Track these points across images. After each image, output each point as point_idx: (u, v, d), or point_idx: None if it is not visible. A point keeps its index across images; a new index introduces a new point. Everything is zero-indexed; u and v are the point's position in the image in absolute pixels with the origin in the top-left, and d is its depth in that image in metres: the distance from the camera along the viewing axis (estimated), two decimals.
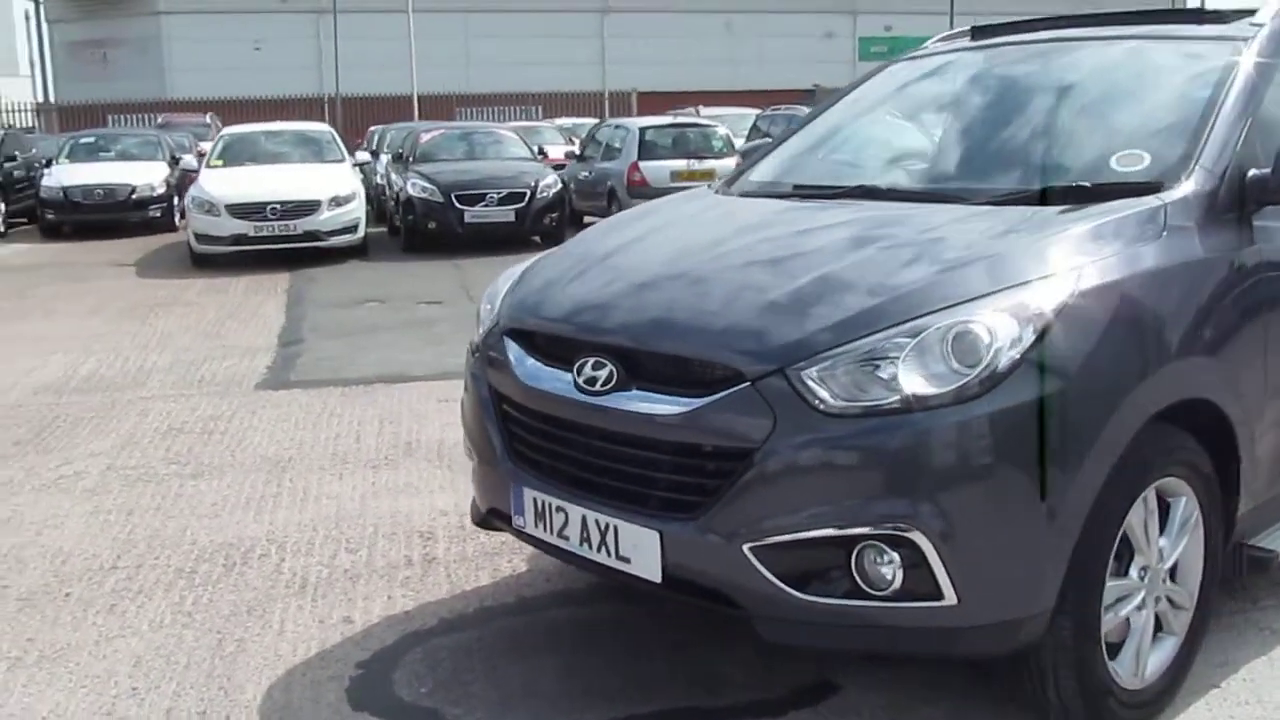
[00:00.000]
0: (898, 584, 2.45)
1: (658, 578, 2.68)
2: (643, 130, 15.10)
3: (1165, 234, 2.81)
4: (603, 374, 2.79)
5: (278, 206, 12.56)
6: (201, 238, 12.68)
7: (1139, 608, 2.78)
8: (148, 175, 16.68)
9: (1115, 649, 2.78)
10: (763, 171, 3.95)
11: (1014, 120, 3.58)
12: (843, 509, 2.45)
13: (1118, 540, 2.64)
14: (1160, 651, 2.90)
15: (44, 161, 18.07)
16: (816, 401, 2.47)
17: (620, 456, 2.75)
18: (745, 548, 2.52)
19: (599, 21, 42.89)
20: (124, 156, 17.78)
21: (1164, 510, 2.84)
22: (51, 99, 41.59)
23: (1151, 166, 3.08)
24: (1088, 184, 3.06)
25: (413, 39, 34.87)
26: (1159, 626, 2.90)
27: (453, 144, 15.33)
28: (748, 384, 2.55)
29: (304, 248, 12.77)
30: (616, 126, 16.65)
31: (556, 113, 33.24)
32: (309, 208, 12.66)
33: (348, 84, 36.56)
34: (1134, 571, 2.75)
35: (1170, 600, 2.90)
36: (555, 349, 2.98)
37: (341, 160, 14.24)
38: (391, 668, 3.31)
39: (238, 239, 12.51)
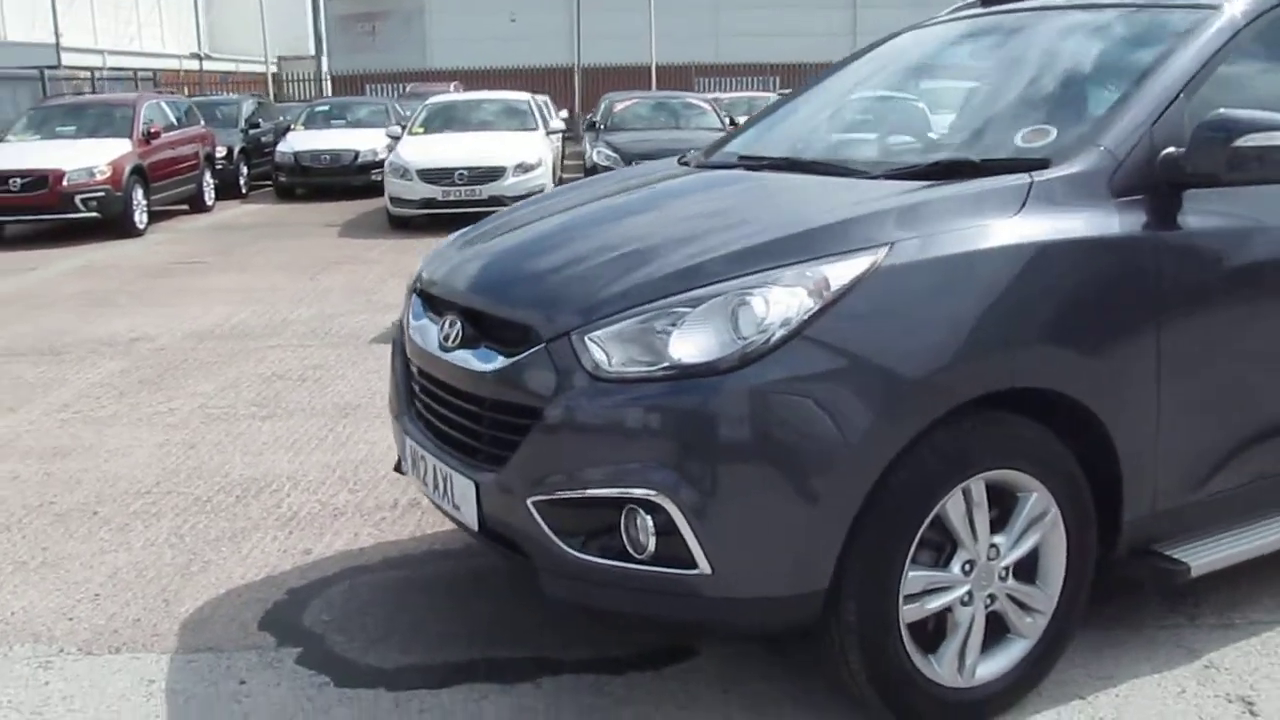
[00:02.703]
0: (652, 549, 2.48)
1: (475, 526, 2.82)
2: None
3: (1022, 213, 2.68)
4: (454, 331, 2.94)
5: (465, 172, 13.16)
6: (396, 201, 13.46)
7: (964, 603, 2.69)
8: (372, 141, 17.75)
9: (937, 642, 2.71)
10: (736, 142, 3.97)
11: (953, 93, 3.47)
12: (605, 471, 2.51)
13: (922, 529, 2.57)
14: (1005, 654, 2.79)
15: (284, 128, 19.54)
16: (593, 365, 2.54)
17: (457, 409, 2.90)
18: (529, 502, 2.62)
19: None
20: (355, 124, 19.04)
21: (1009, 505, 2.74)
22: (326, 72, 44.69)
23: (1052, 143, 2.95)
24: (975, 159, 2.95)
25: (653, 8, 35.26)
26: (1006, 627, 2.80)
27: (646, 113, 15.60)
28: (542, 345, 2.64)
29: (491, 211, 13.30)
30: None
31: (795, 83, 32.98)
32: (495, 173, 13.20)
33: (592, 54, 37.51)
34: (956, 565, 2.66)
35: (1017, 601, 2.78)
36: (434, 308, 3.15)
37: (535, 129, 14.75)
38: (313, 597, 3.59)
39: (427, 202, 13.21)
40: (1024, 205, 2.69)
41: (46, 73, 25.59)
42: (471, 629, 3.32)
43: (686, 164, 3.84)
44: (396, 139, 14.64)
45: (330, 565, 3.83)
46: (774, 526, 2.44)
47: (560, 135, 16.57)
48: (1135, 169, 2.80)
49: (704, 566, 2.45)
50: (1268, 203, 2.94)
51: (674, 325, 2.51)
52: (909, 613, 2.61)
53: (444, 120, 14.89)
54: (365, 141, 17.74)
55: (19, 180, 12.60)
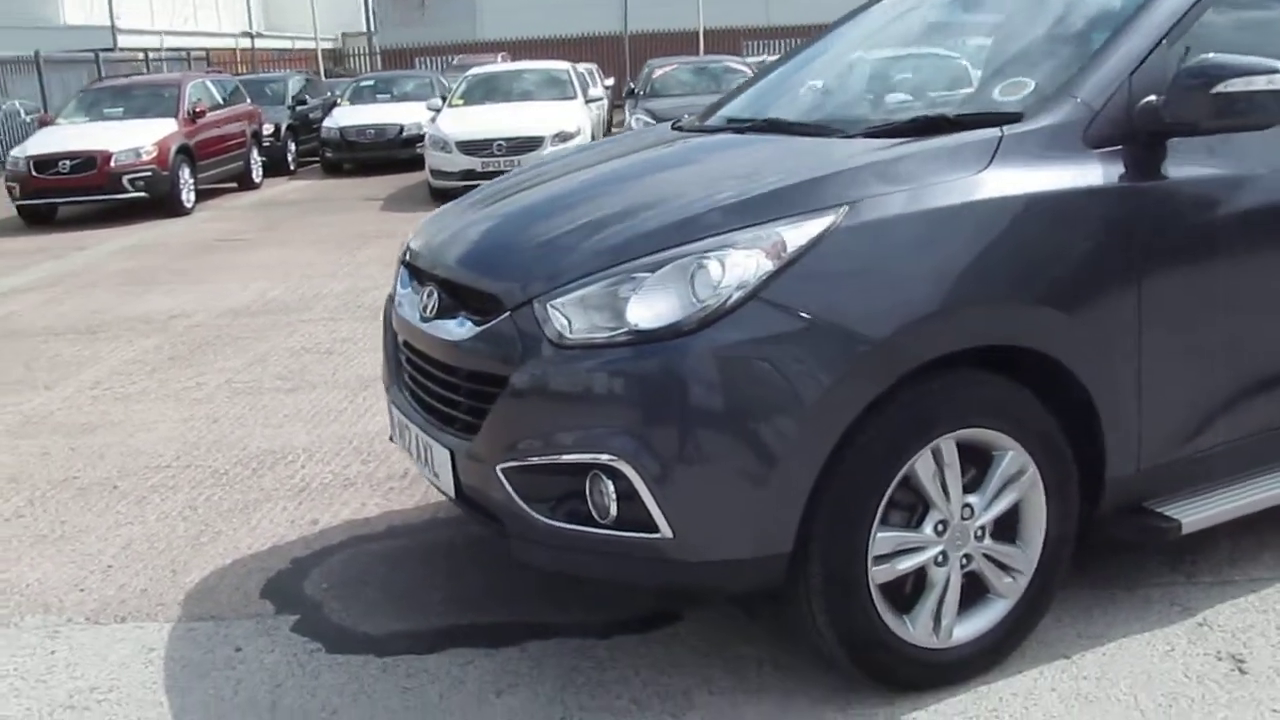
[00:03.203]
0: (615, 514, 2.50)
1: (453, 493, 2.85)
2: None
3: (990, 169, 2.64)
4: (431, 302, 2.97)
5: (503, 143, 13.19)
6: (436, 173, 13.54)
7: (938, 564, 2.67)
8: (416, 115, 17.81)
9: (911, 602, 2.70)
10: (730, 105, 3.94)
11: (945, 48, 3.41)
12: (568, 438, 2.52)
13: (890, 490, 2.55)
14: (984, 615, 2.77)
15: (330, 104, 19.70)
16: (555, 333, 2.55)
17: (435, 379, 2.93)
18: (498, 469, 2.64)
19: None
20: (400, 98, 19.17)
21: (986, 465, 2.71)
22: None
23: (1027, 96, 2.90)
24: (950, 115, 2.90)
25: None
26: (985, 588, 2.78)
27: (686, 78, 15.51)
28: (508, 314, 2.65)
29: None
30: None
31: None
32: (532, 143, 13.20)
33: (640, 21, 37.31)
34: (928, 525, 2.64)
35: (996, 561, 2.75)
36: (418, 279, 3.18)
37: (574, 98, 14.73)
38: (315, 565, 3.65)
39: (467, 174, 13.24)
40: (992, 160, 2.65)
41: (101, 55, 26.01)
42: (465, 595, 3.37)
43: (680, 128, 3.82)
44: (437, 111, 14.69)
45: (335, 535, 3.89)
46: (733, 490, 2.44)
47: (601, 103, 16.54)
48: (1112, 119, 2.74)
49: (665, 530, 2.46)
50: (1253, 150, 2.86)
51: (633, 290, 2.51)
52: (879, 574, 2.60)
53: (484, 92, 14.93)
54: (409, 115, 17.83)
55: (68, 162, 12.86)
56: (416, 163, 17.48)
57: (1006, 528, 2.78)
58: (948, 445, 2.60)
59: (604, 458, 2.46)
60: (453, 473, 2.82)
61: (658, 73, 15.56)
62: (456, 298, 2.90)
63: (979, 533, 2.71)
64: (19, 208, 13.23)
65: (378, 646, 3.12)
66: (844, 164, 2.67)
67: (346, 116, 18.04)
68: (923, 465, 2.58)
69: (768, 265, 2.45)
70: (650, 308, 2.48)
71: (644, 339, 2.46)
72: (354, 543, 3.82)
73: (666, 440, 2.43)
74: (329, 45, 50.82)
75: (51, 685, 3.03)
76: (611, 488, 2.48)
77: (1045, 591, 2.84)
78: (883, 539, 2.58)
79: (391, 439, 3.45)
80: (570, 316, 2.55)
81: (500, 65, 16.24)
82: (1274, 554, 3.36)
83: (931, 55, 3.61)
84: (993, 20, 3.46)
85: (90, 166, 12.87)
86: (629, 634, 3.08)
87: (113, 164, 12.91)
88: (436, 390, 2.94)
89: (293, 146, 18.79)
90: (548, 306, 2.57)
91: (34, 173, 12.83)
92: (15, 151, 13.51)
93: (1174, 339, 2.80)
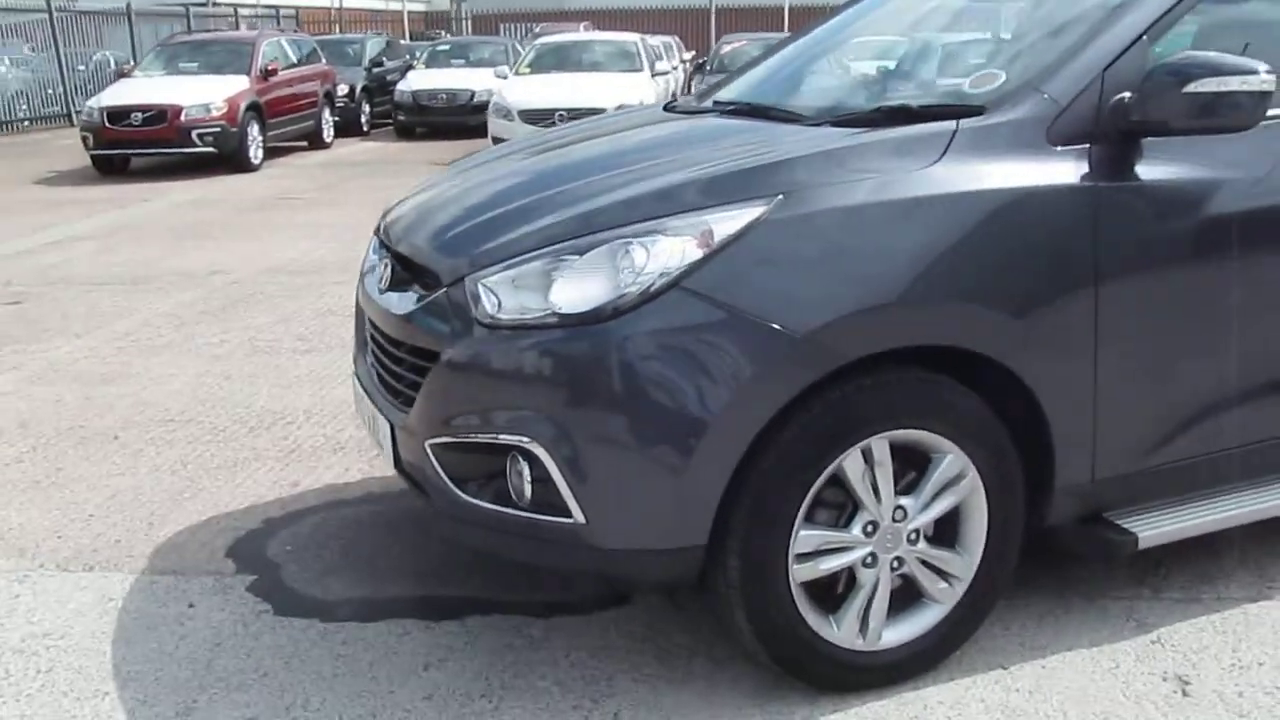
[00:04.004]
0: (529, 496, 2.48)
1: (394, 465, 2.86)
2: None
3: (940, 162, 2.56)
4: (386, 274, 2.97)
5: (564, 113, 13.14)
6: (497, 140, 13.55)
7: (866, 565, 2.61)
8: (489, 81, 17.87)
9: (840, 603, 2.65)
10: (728, 87, 3.87)
11: (931, 36, 3.32)
12: (487, 418, 2.51)
13: (814, 488, 2.49)
14: (917, 620, 2.71)
15: (407, 67, 19.86)
16: (482, 311, 2.53)
17: (384, 351, 2.94)
18: (426, 445, 2.64)
19: None
20: (476, 64, 19.24)
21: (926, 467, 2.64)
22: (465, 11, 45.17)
23: (995, 89, 2.80)
24: (913, 105, 2.82)
25: None
26: (921, 592, 2.71)
27: (754, 55, 15.29)
28: (443, 290, 2.65)
29: None
30: None
31: None
32: (594, 115, 13.14)
33: None
34: (857, 526, 2.59)
35: (931, 566, 2.69)
36: (384, 251, 3.18)
37: (640, 70, 14.66)
38: (284, 527, 3.70)
39: None
40: (944, 154, 2.56)
41: (192, 10, 26.50)
42: (422, 566, 3.39)
43: (670, 109, 3.77)
44: (504, 79, 14.72)
45: (312, 498, 3.94)
46: (644, 479, 2.40)
47: (671, 76, 16.43)
48: (1080, 116, 2.64)
49: (578, 516, 2.44)
50: (1231, 154, 2.73)
51: (559, 272, 2.48)
52: (801, 572, 2.55)
53: (551, 61, 14.93)
54: (482, 81, 17.87)
55: (140, 115, 13.14)
56: (486, 129, 17.64)
57: (946, 532, 2.71)
58: (879, 445, 2.54)
59: (520, 440, 2.45)
60: (392, 445, 2.83)
61: (726, 49, 15.45)
62: (409, 272, 2.90)
63: (913, 536, 2.65)
64: (92, 157, 13.56)
65: (324, 612, 3.15)
66: (787, 153, 2.61)
67: (420, 80, 18.18)
68: (851, 464, 2.52)
69: (694, 253, 2.40)
70: (574, 291, 2.45)
71: (564, 322, 2.43)
72: (328, 507, 3.86)
73: (579, 426, 2.41)
74: (421, 9, 51.25)
75: (7, 629, 3.11)
76: (527, 470, 2.47)
77: (985, 599, 2.77)
78: (805, 537, 2.53)
79: (355, 411, 3.47)
80: (500, 296, 2.53)
81: (568, 35, 16.22)
82: (1251, 572, 3.24)
83: (932, 42, 3.50)
84: (979, 10, 3.35)
85: (161, 120, 13.13)
86: (570, 615, 3.07)
87: (183, 118, 13.16)
88: (385, 363, 2.94)
89: (367, 108, 18.99)
90: (479, 285, 2.56)
91: (107, 124, 13.13)
92: (90, 102, 13.85)
93: (1134, 349, 2.70)
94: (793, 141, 2.72)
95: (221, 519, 3.79)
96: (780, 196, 2.46)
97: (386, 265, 3.00)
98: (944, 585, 2.71)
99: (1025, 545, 2.80)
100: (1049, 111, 2.64)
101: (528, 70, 14.71)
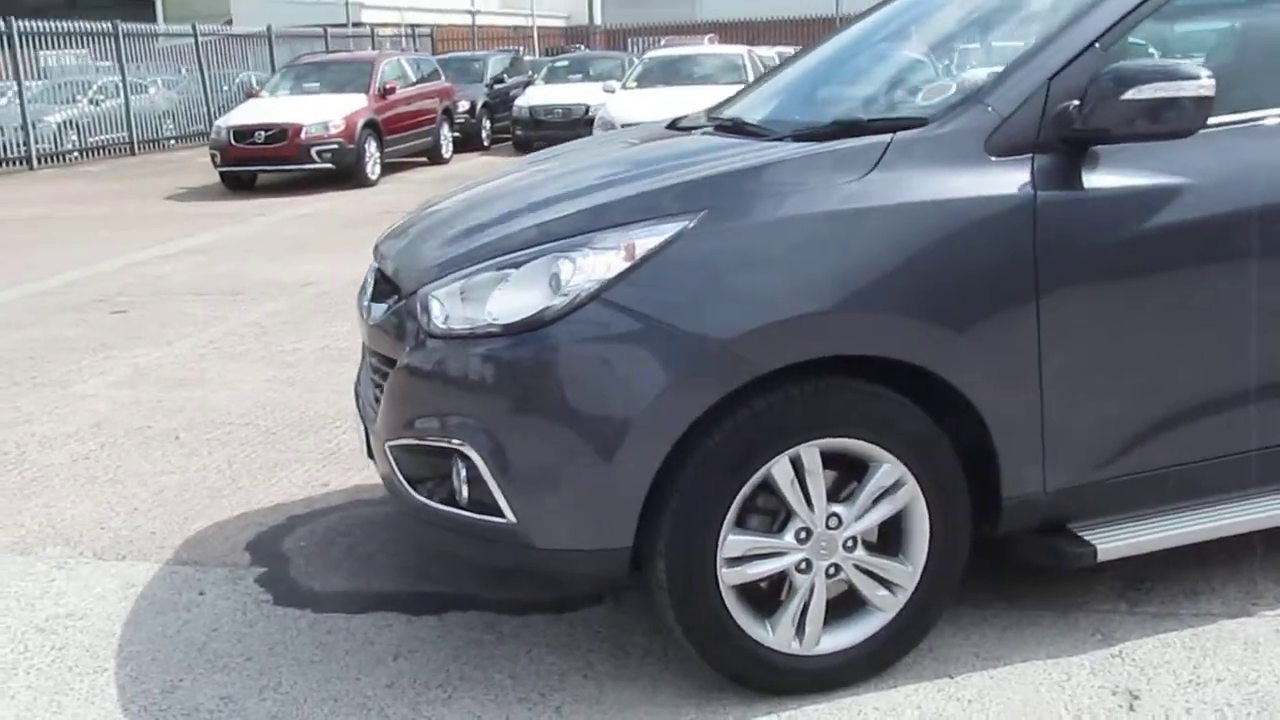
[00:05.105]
0: (466, 496, 2.62)
1: (374, 469, 3.04)
2: None
3: (871, 174, 2.60)
4: (371, 286, 3.16)
5: None
6: None
7: (800, 571, 2.66)
8: (603, 95, 18.22)
9: (775, 606, 2.70)
10: (730, 104, 3.95)
11: (901, 49, 3.37)
12: (431, 422, 2.66)
13: (742, 493, 2.56)
14: (858, 626, 2.74)
15: (527, 83, 20.33)
16: (431, 321, 2.68)
17: (366, 359, 3.12)
18: (386, 447, 2.80)
19: None
20: (594, 78, 19.58)
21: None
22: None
23: (943, 100, 2.84)
24: (863, 119, 2.87)
25: None
26: (861, 600, 2.75)
27: None
28: (403, 301, 2.81)
29: None
30: None
31: None
32: None
33: (856, 3, 36.63)
34: (789, 533, 2.64)
35: (870, 573, 2.72)
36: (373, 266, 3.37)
37: (745, 83, 14.69)
38: (304, 524, 3.92)
39: None
40: (875, 166, 2.61)
41: (330, 31, 27.60)
42: (419, 564, 3.55)
43: (672, 127, 3.86)
44: (612, 93, 14.96)
45: (337, 498, 4.15)
46: (569, 482, 2.51)
47: None
48: (1022, 126, 2.66)
49: (509, 516, 2.56)
50: (1181, 161, 2.70)
51: (499, 285, 2.61)
52: (731, 576, 2.62)
53: (659, 75, 15.13)
54: (597, 96, 18.15)
55: (263, 133, 13.81)
56: None
57: (890, 540, 2.75)
58: (809, 453, 2.59)
59: (455, 443, 2.59)
60: (367, 446, 3.00)
61: None
62: (386, 284, 3.08)
63: (849, 543, 2.68)
64: (221, 174, 14.30)
65: (317, 603, 3.34)
66: (718, 169, 2.69)
67: (538, 96, 18.61)
68: (780, 471, 2.58)
69: (619, 267, 2.51)
70: (510, 303, 2.58)
71: (499, 333, 2.56)
72: (349, 506, 4.07)
73: (509, 431, 2.53)
74: (560, 24, 52.24)
75: (36, 609, 3.39)
76: (464, 472, 2.61)
77: (929, 607, 2.78)
78: (734, 541, 2.60)
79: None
80: (447, 307, 2.68)
81: (677, 49, 16.40)
82: (1239, 587, 3.17)
83: (903, 57, 3.52)
84: (956, 22, 3.36)
85: (282, 138, 13.78)
86: (544, 614, 3.19)
87: (302, 136, 13.78)
88: (372, 367, 3.12)
89: (487, 124, 19.51)
90: (429, 296, 2.71)
91: (233, 142, 13.85)
92: (219, 122, 14.63)
93: (1082, 360, 2.70)
94: (736, 157, 2.80)
95: (251, 515, 4.04)
96: (704, 211, 2.54)
97: (372, 278, 3.18)
98: (884, 593, 2.74)
99: (979, 554, 2.82)
100: (988, 122, 2.66)
101: (634, 85, 14.94)
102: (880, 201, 2.57)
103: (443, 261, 2.77)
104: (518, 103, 18.70)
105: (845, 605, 2.75)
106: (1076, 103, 2.62)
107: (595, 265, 2.52)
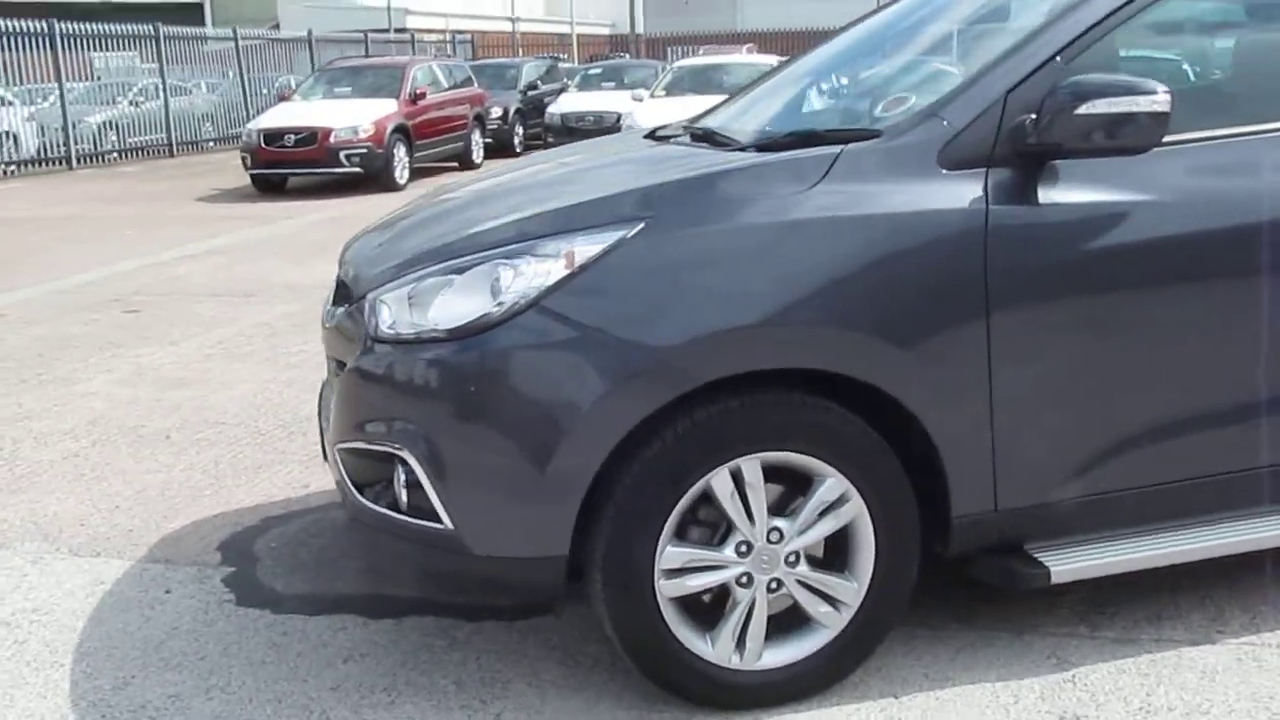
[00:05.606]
0: (405, 501, 2.62)
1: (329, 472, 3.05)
2: None
3: (818, 186, 2.58)
4: (333, 291, 3.18)
5: None
6: None
7: (741, 585, 2.64)
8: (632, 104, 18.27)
9: (718, 620, 2.68)
10: (712, 113, 3.94)
11: (881, 58, 3.35)
12: (373, 426, 2.67)
13: (680, 505, 2.54)
14: (802, 642, 2.71)
15: (561, 90, 20.41)
16: (376, 326, 2.69)
17: (330, 364, 3.14)
18: (335, 449, 2.82)
19: None
20: (626, 86, 19.61)
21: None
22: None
23: (900, 113, 2.81)
24: (820, 130, 2.85)
25: None
26: (805, 616, 2.72)
27: None
28: (353, 305, 2.82)
29: None
30: None
31: None
32: None
33: None
34: (730, 546, 2.62)
35: (813, 589, 2.69)
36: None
37: None
38: (278, 526, 3.95)
39: None
40: (823, 178, 2.59)
41: (371, 36, 27.86)
42: (380, 567, 3.55)
43: (650, 136, 3.85)
44: (640, 101, 14.99)
45: (316, 500, 4.17)
46: (503, 489, 2.51)
47: None
48: (976, 140, 2.63)
49: (446, 521, 2.57)
50: (1140, 178, 2.66)
51: (441, 290, 2.62)
52: (669, 588, 2.60)
53: (688, 84, 15.15)
54: (630, 104, 18.24)
55: (293, 136, 13.96)
56: None
57: (836, 556, 2.72)
58: (750, 466, 2.57)
59: (394, 448, 2.59)
60: (322, 449, 3.02)
61: None
62: (344, 288, 3.09)
63: (791, 558, 2.66)
64: (251, 177, 14.46)
65: (278, 604, 3.36)
66: (664, 178, 2.68)
67: (570, 103, 18.67)
68: (719, 484, 2.56)
69: (559, 274, 2.50)
70: (451, 308, 2.58)
71: (438, 338, 2.57)
72: (326, 508, 4.08)
73: (445, 436, 2.54)
74: (605, 32, 52.45)
75: (4, 604, 3.43)
76: (403, 476, 2.61)
77: (875, 625, 2.75)
78: (673, 553, 2.58)
79: None
80: (392, 312, 2.68)
81: (706, 58, 16.42)
82: (1206, 614, 3.11)
83: (884, 66, 3.50)
84: (931, 34, 3.33)
85: (312, 141, 13.91)
86: (500, 620, 3.19)
87: (332, 140, 13.91)
88: (330, 373, 3.14)
89: (520, 130, 19.60)
90: (376, 301, 2.72)
91: (263, 145, 14.00)
92: (250, 124, 14.80)
93: (1034, 379, 2.66)
94: (689, 166, 2.79)
95: (229, 515, 4.07)
96: (645, 220, 2.53)
97: (335, 283, 3.20)
98: (828, 609, 2.71)
99: (939, 574, 2.78)
100: (941, 135, 2.63)
101: (663, 93, 14.97)
102: (824, 213, 2.55)
103: (390, 266, 2.78)
104: (550, 110, 18.78)
105: (789, 620, 2.73)
106: (1033, 116, 2.59)
107: (536, 272, 2.52)
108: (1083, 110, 2.50)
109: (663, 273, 2.50)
